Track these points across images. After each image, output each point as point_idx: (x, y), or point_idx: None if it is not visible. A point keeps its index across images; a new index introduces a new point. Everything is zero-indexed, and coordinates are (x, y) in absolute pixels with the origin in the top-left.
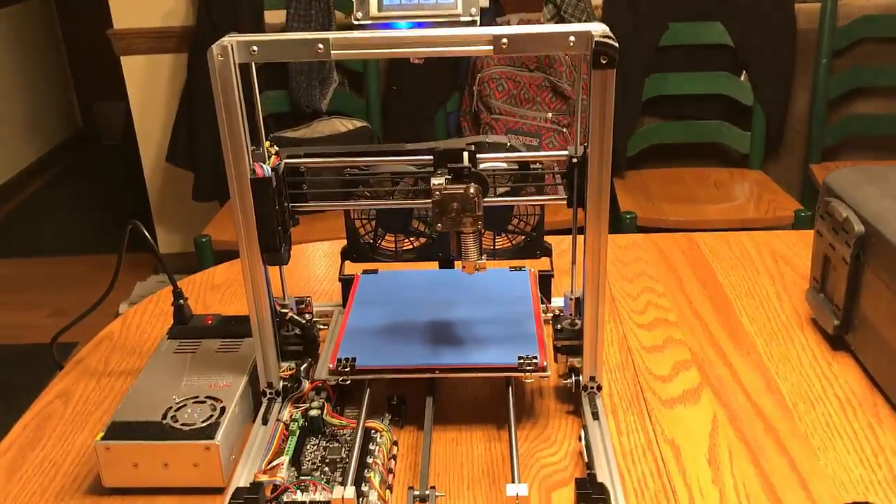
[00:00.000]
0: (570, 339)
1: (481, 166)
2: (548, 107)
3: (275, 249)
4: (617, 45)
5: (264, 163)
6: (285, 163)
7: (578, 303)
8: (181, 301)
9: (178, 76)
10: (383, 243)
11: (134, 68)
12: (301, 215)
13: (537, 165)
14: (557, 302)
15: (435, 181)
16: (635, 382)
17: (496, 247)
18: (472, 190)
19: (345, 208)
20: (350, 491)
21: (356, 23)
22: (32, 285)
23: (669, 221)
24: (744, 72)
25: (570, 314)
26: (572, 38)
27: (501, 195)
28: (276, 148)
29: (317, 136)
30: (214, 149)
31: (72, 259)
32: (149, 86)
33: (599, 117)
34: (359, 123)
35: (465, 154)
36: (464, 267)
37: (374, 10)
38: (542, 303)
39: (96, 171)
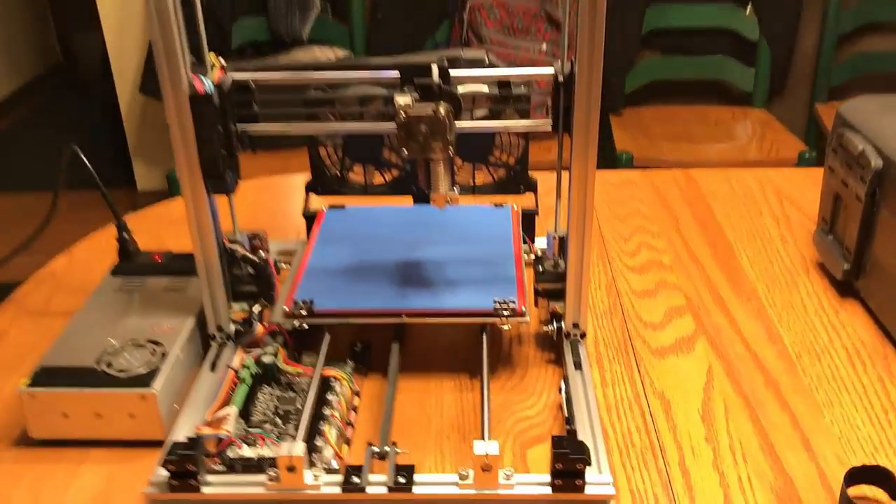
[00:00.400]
0: (552, 282)
1: (458, 86)
2: (542, 37)
3: (218, 176)
4: None
5: (206, 77)
6: (232, 78)
7: (562, 242)
8: (125, 235)
9: None
10: (352, 175)
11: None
12: (254, 139)
13: (521, 88)
14: (541, 243)
15: (400, 100)
16: (623, 330)
17: (476, 182)
18: (441, 110)
19: (301, 132)
20: (299, 447)
21: None
22: (3, 221)
23: (668, 162)
24: (749, 4)
25: (554, 255)
26: None
27: (479, 119)
28: (223, 61)
29: None
30: None
31: (48, 195)
32: (123, 16)
33: (589, 24)
34: (341, 53)
35: (435, 69)
36: (433, 199)
37: None
38: (524, 242)
39: (74, 105)
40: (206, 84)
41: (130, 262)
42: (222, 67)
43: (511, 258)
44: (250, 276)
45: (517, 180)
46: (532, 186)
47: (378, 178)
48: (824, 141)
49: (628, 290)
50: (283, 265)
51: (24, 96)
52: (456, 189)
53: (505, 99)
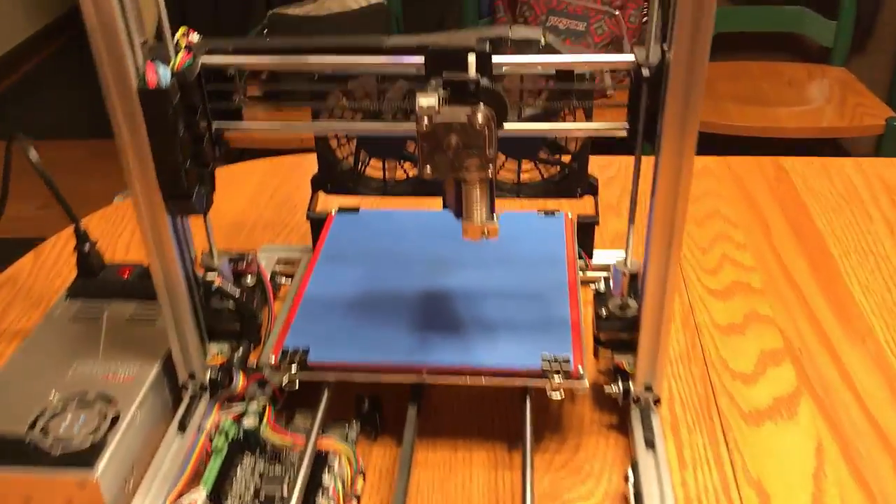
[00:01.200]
0: (619, 331)
1: (503, 70)
2: None
3: (182, 195)
4: None
5: (166, 63)
6: (202, 63)
7: (635, 280)
8: (85, 247)
9: None
10: (368, 170)
11: None
12: (234, 138)
13: (585, 74)
14: (602, 257)
15: (423, 101)
16: (705, 382)
17: (521, 180)
18: (479, 117)
19: (298, 133)
20: None
21: None
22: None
23: (736, 127)
24: None
25: (622, 294)
26: None
27: (528, 119)
28: (195, 37)
29: (324, 14)
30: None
31: (67, 143)
32: None
33: (692, 13)
34: (374, 0)
35: (472, 59)
36: (465, 230)
37: None
38: (580, 257)
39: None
40: (161, 74)
41: (91, 279)
42: (188, 49)
43: (564, 290)
44: (231, 312)
45: (573, 181)
46: (592, 188)
47: (400, 173)
48: None
49: (710, 324)
50: (284, 280)
51: (46, 37)
52: (496, 218)
53: (566, 93)
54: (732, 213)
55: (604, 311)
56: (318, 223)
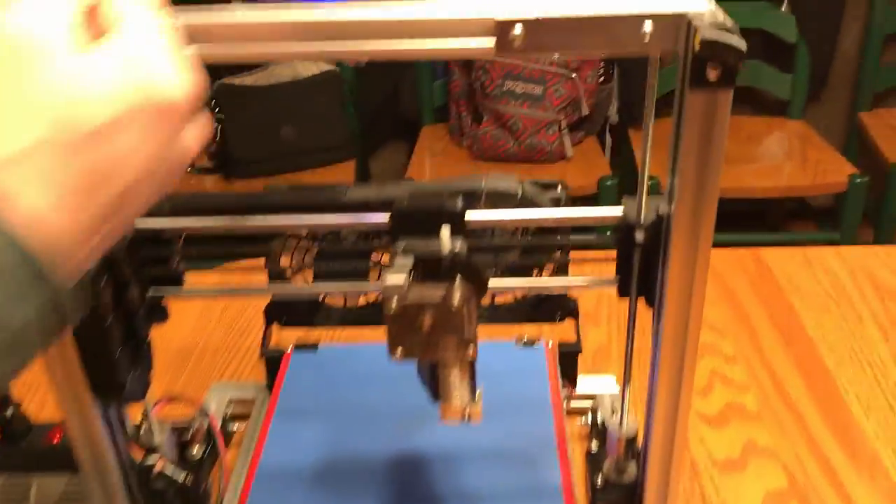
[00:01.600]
0: (617, 498)
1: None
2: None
3: (113, 387)
4: (742, 44)
5: None
6: (135, 228)
7: (631, 445)
8: (8, 411)
9: None
10: (328, 298)
11: None
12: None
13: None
14: (587, 384)
15: (391, 279)
16: None
17: (494, 303)
18: (456, 297)
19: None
20: None
21: None
22: None
23: None
24: (785, 1)
25: (618, 455)
26: (648, 27)
27: (504, 269)
28: None
29: (274, 83)
30: None
31: None
32: None
33: (697, 165)
34: (326, 67)
35: (446, 233)
36: (443, 412)
37: None
38: (563, 387)
39: None
40: None
41: (15, 447)
42: None
43: (552, 446)
44: (177, 492)
45: (552, 304)
46: (572, 312)
47: (362, 299)
48: (869, 155)
49: (707, 461)
50: (237, 426)
51: None
52: (477, 397)
53: (545, 249)
54: (717, 319)
55: (599, 480)
56: (273, 362)
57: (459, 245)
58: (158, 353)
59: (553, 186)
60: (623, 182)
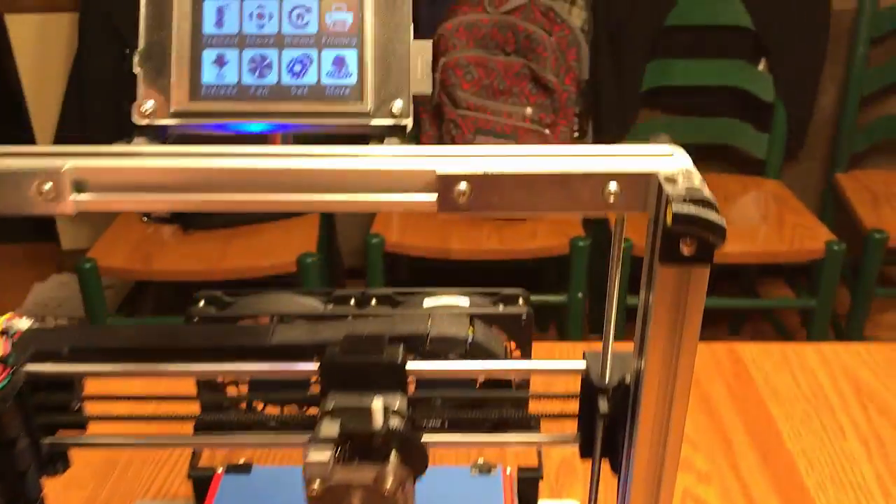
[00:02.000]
0: None
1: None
2: (527, 100)
3: None
4: (721, 221)
5: None
6: (27, 371)
7: None
8: None
9: (71, 41)
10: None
11: (21, 29)
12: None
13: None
14: None
15: (313, 456)
16: None
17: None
18: (389, 481)
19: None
20: None
21: (142, 122)
22: None
23: None
24: (763, 60)
25: None
26: (613, 187)
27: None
28: (21, 324)
29: None
30: (110, 132)
31: None
32: (40, 51)
33: (667, 345)
34: None
35: (378, 405)
36: None
37: (180, 98)
38: None
39: None
40: None
41: None
42: (2, 362)
43: None
44: None
45: (513, 422)
46: (531, 425)
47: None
48: (845, 216)
49: None
50: None
51: None
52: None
53: (493, 402)
54: (692, 429)
55: None
56: (202, 482)
57: (396, 415)
58: (79, 461)
59: (514, 300)
60: (596, 242)
